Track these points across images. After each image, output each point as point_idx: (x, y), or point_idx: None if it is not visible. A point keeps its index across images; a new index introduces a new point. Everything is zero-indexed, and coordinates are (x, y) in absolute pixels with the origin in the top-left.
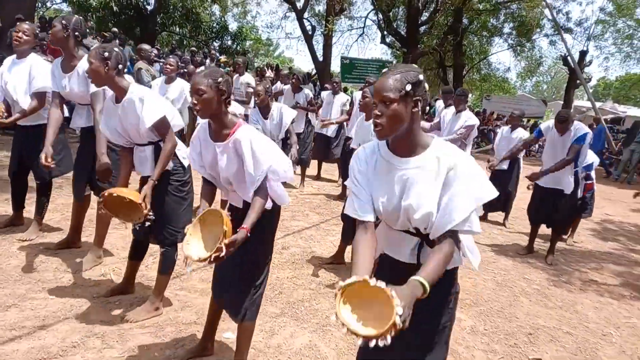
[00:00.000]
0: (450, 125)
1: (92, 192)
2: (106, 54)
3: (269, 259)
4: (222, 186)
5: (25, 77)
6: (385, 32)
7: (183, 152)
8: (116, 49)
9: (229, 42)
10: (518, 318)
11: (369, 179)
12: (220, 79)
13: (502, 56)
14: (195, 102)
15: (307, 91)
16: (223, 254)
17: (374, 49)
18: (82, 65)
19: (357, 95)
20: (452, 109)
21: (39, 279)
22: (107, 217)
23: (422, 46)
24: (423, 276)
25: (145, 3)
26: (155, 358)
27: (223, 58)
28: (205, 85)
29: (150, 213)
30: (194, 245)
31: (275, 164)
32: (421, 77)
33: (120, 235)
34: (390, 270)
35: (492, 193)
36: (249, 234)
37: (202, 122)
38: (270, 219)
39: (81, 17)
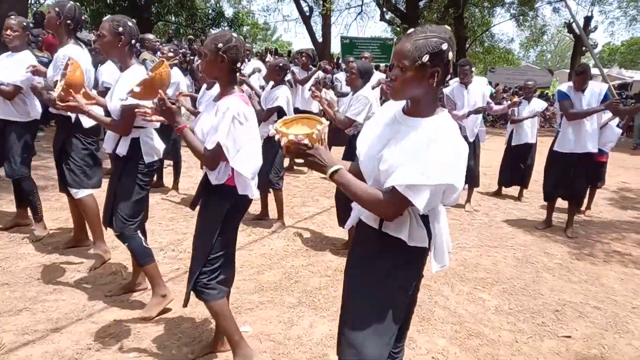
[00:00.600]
0: (465, 99)
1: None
2: (120, 28)
3: (207, 249)
4: None
5: (11, 65)
6: (384, 9)
7: (150, 148)
8: (129, 22)
9: (226, 29)
10: (543, 295)
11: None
12: (220, 45)
13: (504, 27)
14: (201, 63)
15: (319, 72)
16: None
17: (374, 27)
18: (60, 51)
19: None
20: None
21: (49, 280)
22: (94, 210)
23: (423, 21)
24: (339, 171)
25: None
26: (173, 356)
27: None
28: (208, 48)
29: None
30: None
31: (232, 150)
32: (444, 46)
33: None
34: (359, 235)
35: (448, 180)
36: (180, 130)
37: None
38: (219, 200)
39: (77, 4)
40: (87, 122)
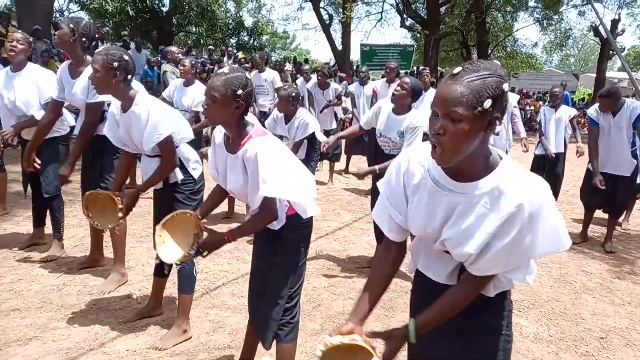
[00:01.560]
0: None
1: None
2: (115, 63)
3: (292, 286)
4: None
5: (29, 90)
6: (404, 15)
7: (193, 161)
8: (125, 56)
9: (246, 38)
10: (584, 319)
11: (406, 194)
12: (240, 91)
13: (527, 31)
14: (206, 105)
15: (335, 85)
16: (203, 254)
17: (393, 34)
18: (88, 72)
19: (378, 84)
20: None
21: (62, 304)
22: (122, 232)
23: (444, 27)
24: (418, 322)
25: (160, 5)
26: None
27: (241, 54)
28: (220, 93)
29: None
30: (168, 246)
31: (285, 191)
32: (505, 86)
33: (145, 249)
34: (425, 289)
35: (566, 244)
36: (228, 240)
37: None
38: (282, 241)
39: (92, 21)
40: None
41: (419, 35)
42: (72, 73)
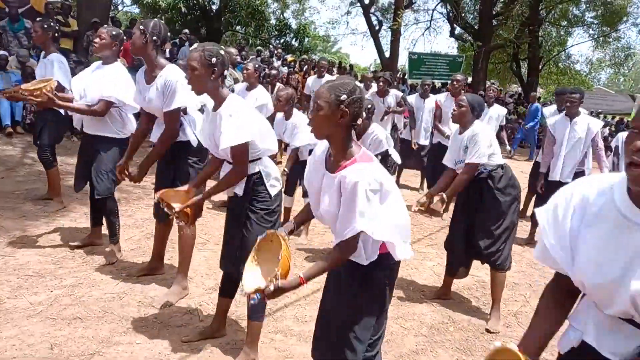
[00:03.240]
0: (566, 136)
1: None
2: (213, 59)
3: (375, 332)
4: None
5: (101, 80)
6: (454, 25)
7: (273, 178)
8: (221, 51)
9: (291, 40)
10: None
11: (575, 232)
12: (343, 97)
13: (581, 48)
14: (311, 116)
15: (396, 92)
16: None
17: (439, 43)
18: (164, 76)
19: (441, 97)
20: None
21: (123, 315)
22: (191, 242)
23: (496, 39)
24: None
25: (210, 3)
26: None
27: (290, 57)
28: (325, 99)
29: None
30: (254, 273)
31: (381, 229)
32: None
33: (203, 259)
34: None
35: None
36: (302, 284)
37: None
38: (371, 280)
39: (161, 21)
40: (196, 142)
41: (469, 45)
42: (147, 79)
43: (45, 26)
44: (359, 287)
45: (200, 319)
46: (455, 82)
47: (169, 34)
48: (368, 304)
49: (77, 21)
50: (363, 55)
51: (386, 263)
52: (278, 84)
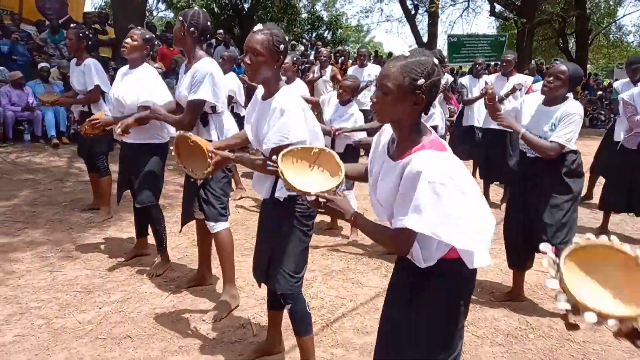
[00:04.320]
0: None
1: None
2: (281, 45)
3: (443, 354)
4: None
5: (135, 87)
6: (494, 3)
7: None
8: (286, 37)
9: (323, 33)
10: None
11: None
12: (421, 81)
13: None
14: (375, 99)
15: (447, 75)
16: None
17: (478, 24)
18: (197, 66)
19: (492, 78)
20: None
21: (174, 332)
22: (230, 247)
23: (540, 14)
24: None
25: (242, 1)
26: None
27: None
28: (396, 82)
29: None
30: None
31: (444, 229)
32: None
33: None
34: None
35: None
36: (351, 221)
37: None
38: (430, 289)
39: (203, 10)
40: None
41: (511, 23)
42: (185, 71)
43: (80, 34)
44: (414, 297)
45: (254, 334)
46: (505, 63)
47: (209, 23)
48: (431, 319)
49: (114, 29)
50: (397, 43)
51: (456, 271)
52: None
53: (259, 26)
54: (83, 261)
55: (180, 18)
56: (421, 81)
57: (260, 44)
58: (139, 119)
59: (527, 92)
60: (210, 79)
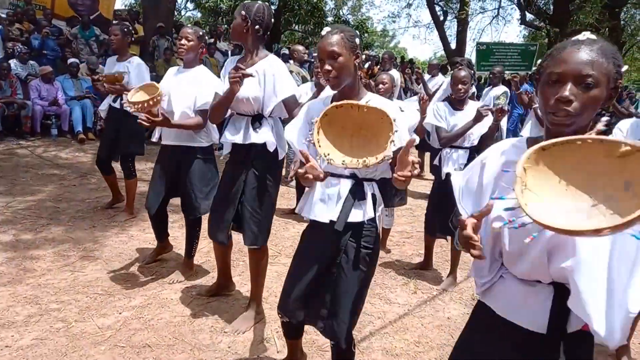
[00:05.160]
0: None
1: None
2: (357, 39)
3: None
4: None
5: (190, 89)
6: (526, 11)
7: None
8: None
9: None
10: None
11: None
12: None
13: None
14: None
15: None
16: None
17: (506, 32)
18: (265, 66)
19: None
20: None
21: (195, 344)
22: (264, 263)
23: (573, 24)
24: None
25: (270, 3)
26: None
27: None
28: (605, 72)
29: None
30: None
31: None
32: None
33: (275, 275)
34: None
35: None
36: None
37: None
38: None
39: (266, 4)
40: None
41: (542, 32)
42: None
43: (125, 30)
44: None
45: (277, 350)
46: None
47: (272, 19)
48: None
49: (143, 27)
50: (422, 48)
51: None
52: None
53: (326, 29)
54: (104, 262)
55: (243, 12)
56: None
57: (337, 45)
58: (175, 126)
59: None
60: (288, 74)
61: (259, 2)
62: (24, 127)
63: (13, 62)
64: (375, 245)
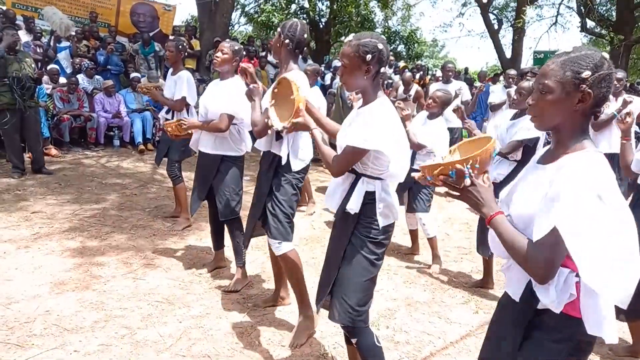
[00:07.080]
0: None
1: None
2: (368, 56)
3: None
4: None
5: (222, 96)
6: (586, 19)
7: (386, 207)
8: (380, 45)
9: (401, 47)
10: None
11: None
12: (587, 74)
13: None
14: (533, 101)
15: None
16: None
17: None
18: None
19: None
20: None
21: (252, 356)
22: (299, 268)
23: (637, 31)
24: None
25: (320, 15)
26: None
27: (402, 63)
28: (554, 77)
29: None
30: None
31: (591, 247)
32: None
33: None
34: None
35: None
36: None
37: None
38: (555, 344)
39: (302, 22)
40: (296, 165)
41: (598, 40)
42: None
43: (180, 46)
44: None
45: None
46: (616, 82)
47: (305, 35)
48: None
49: (199, 41)
50: (472, 58)
51: (570, 332)
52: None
53: (349, 37)
54: (164, 270)
55: (279, 29)
56: (586, 73)
57: (348, 52)
58: (196, 127)
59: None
60: (306, 86)
61: (296, 20)
62: (89, 138)
63: (80, 77)
64: (375, 238)
